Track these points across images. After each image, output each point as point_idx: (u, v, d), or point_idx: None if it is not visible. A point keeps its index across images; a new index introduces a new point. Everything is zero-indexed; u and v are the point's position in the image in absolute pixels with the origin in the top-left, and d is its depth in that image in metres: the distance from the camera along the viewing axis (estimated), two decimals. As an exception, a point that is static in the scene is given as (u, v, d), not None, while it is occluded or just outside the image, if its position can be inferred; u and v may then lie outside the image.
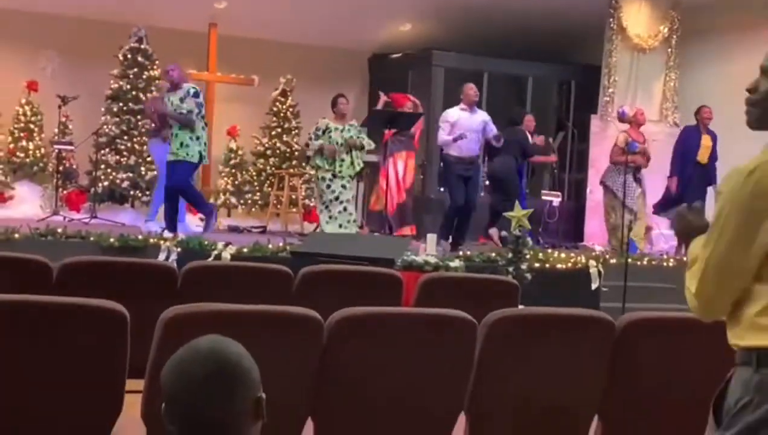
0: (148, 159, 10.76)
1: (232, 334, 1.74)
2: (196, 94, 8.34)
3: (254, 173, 12.21)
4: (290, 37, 12.13)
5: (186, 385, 1.63)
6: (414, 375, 3.00)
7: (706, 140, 9.85)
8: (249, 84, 11.65)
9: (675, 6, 11.72)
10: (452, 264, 6.99)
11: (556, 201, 10.86)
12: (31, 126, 11.15)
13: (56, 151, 10.61)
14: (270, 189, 11.68)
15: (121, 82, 11.06)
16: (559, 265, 8.40)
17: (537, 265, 8.05)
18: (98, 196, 10.48)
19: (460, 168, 8.94)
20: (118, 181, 10.79)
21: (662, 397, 3.17)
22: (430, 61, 11.98)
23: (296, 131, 12.32)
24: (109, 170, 10.79)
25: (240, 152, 12.27)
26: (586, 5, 11.33)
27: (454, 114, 9.04)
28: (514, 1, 11.32)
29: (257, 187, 12.12)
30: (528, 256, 7.61)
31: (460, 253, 8.27)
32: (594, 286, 8.31)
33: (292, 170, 11.69)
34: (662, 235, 10.70)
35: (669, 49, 11.75)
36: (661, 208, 10.05)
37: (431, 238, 7.61)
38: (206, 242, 7.48)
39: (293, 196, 11.09)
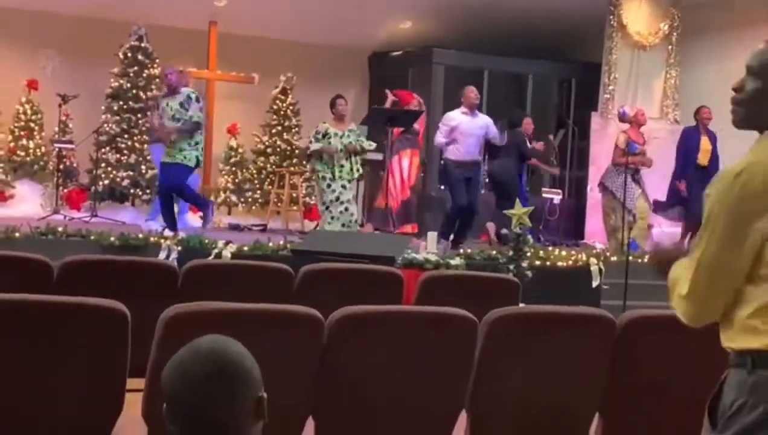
0: (149, 157, 10.77)
1: (233, 333, 1.74)
2: (197, 100, 8.33)
3: (254, 171, 12.21)
4: (290, 35, 12.12)
5: (187, 386, 1.63)
6: (415, 373, 3.00)
7: (705, 143, 9.82)
8: (249, 82, 11.65)
9: (675, 3, 11.71)
10: (453, 262, 6.99)
11: (557, 198, 10.85)
12: (32, 125, 11.14)
13: (56, 149, 10.61)
14: (270, 187, 11.68)
15: (121, 81, 11.06)
16: (559, 263, 8.40)
17: (538, 262, 8.05)
18: (99, 195, 10.48)
19: (459, 172, 8.92)
20: (118, 179, 10.79)
21: (663, 394, 3.17)
22: (430, 58, 11.97)
23: (296, 129, 12.31)
24: (109, 169, 10.79)
25: (240, 150, 12.27)
26: (587, 3, 11.32)
27: (456, 117, 9.00)
28: (515, -1, 11.33)
29: (258, 185, 12.13)
30: (529, 254, 7.61)
31: (461, 250, 8.26)
32: (595, 283, 8.31)
33: (292, 168, 11.69)
34: (663, 232, 10.70)
35: (669, 47, 11.74)
36: (661, 207, 10.04)
37: (432, 236, 7.61)
38: (207, 241, 7.48)
39: (294, 194, 11.09)
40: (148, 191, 10.78)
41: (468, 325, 3.03)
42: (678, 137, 10.25)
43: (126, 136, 10.94)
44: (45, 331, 2.70)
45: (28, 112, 11.16)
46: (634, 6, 11.54)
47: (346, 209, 8.82)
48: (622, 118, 9.74)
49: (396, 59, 12.70)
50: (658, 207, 10.09)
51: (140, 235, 7.61)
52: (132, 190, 10.88)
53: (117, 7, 11.04)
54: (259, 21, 11.55)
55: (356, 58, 12.95)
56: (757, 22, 10.43)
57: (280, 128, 12.27)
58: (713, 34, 11.32)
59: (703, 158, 9.80)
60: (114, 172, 10.80)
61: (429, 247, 7.36)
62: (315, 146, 8.95)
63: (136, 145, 10.94)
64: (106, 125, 10.88)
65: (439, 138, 9.00)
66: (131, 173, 10.85)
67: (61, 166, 10.70)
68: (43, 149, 11.12)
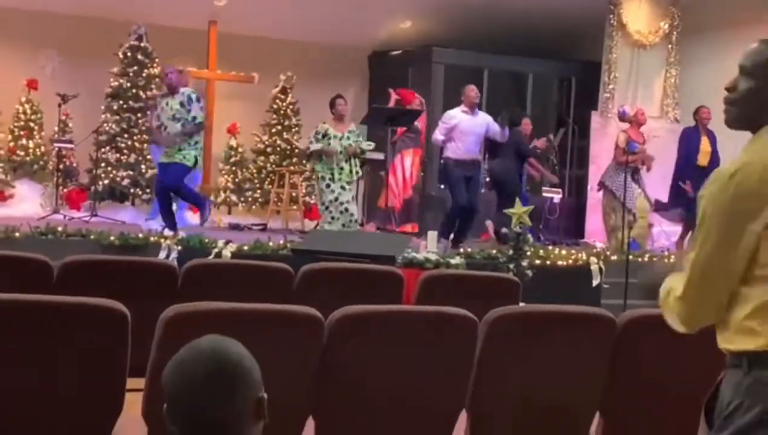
0: (149, 157, 10.77)
1: (233, 333, 1.73)
2: (198, 100, 8.32)
3: (254, 171, 12.21)
4: (290, 34, 12.12)
5: (187, 386, 1.62)
6: (415, 373, 2.99)
7: (705, 144, 9.81)
8: (249, 81, 11.65)
9: (675, 2, 11.71)
10: (453, 261, 6.98)
11: (557, 197, 10.85)
12: (31, 124, 11.14)
13: (56, 149, 10.61)
14: (270, 186, 11.68)
15: (121, 80, 11.05)
16: (560, 262, 8.40)
17: (538, 262, 8.05)
18: (98, 195, 10.47)
19: (459, 171, 8.91)
20: (118, 179, 10.78)
21: (663, 394, 3.17)
22: (430, 58, 11.97)
23: (296, 129, 12.31)
24: (109, 168, 10.79)
25: (240, 150, 12.26)
26: (587, 2, 11.32)
27: (456, 116, 8.99)
28: (515, -2, 11.33)
29: (258, 185, 12.12)
30: (529, 253, 7.61)
31: (461, 250, 8.26)
32: (595, 283, 8.31)
33: (292, 167, 11.68)
34: (663, 231, 10.70)
35: (669, 46, 11.74)
36: (663, 207, 10.03)
37: (432, 235, 7.60)
38: (207, 240, 7.48)
39: (294, 194, 11.08)
40: (148, 191, 10.77)
41: (468, 324, 3.02)
42: (678, 136, 10.25)
43: (126, 135, 10.94)
44: (45, 331, 2.70)
45: (28, 111, 11.15)
46: (634, 5, 11.54)
47: (346, 210, 8.82)
48: (622, 117, 9.73)
49: (396, 58, 12.69)
50: (659, 207, 10.08)
51: (140, 235, 7.61)
52: (132, 190, 10.88)
53: (117, 7, 11.04)
54: (259, 21, 11.55)
55: (356, 57, 12.95)
56: (757, 22, 10.41)
57: (280, 128, 12.26)
58: (713, 33, 11.31)
59: (703, 159, 9.79)
60: (114, 171, 10.79)
61: (429, 247, 7.36)
62: (315, 146, 8.94)
63: (136, 144, 10.94)
64: (105, 125, 10.88)
65: (437, 135, 9.00)
66: (131, 173, 10.84)
67: (61, 166, 10.70)
68: (42, 149, 11.12)
